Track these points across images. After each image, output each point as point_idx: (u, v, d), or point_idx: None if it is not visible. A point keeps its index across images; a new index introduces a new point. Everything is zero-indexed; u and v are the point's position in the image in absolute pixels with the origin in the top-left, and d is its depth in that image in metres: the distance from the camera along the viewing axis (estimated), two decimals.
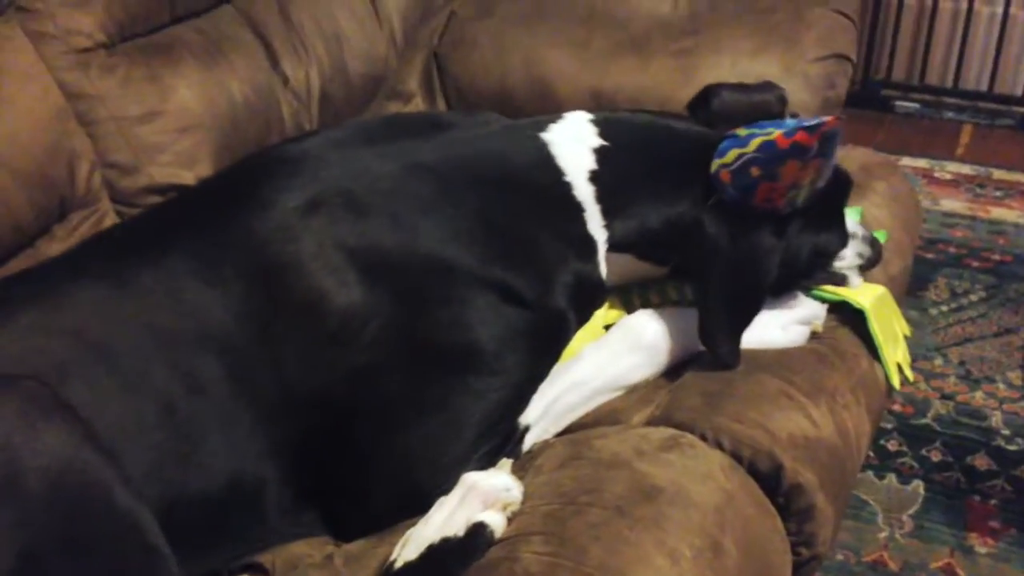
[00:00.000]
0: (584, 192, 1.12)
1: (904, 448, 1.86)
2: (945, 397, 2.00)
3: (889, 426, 1.90)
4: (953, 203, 2.75)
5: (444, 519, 0.91)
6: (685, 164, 1.14)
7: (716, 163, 1.10)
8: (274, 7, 1.56)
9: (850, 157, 1.69)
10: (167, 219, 1.10)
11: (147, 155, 1.29)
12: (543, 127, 1.15)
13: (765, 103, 1.21)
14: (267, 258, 0.99)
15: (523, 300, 1.05)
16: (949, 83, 3.31)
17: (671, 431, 1.02)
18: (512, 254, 1.06)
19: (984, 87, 3.27)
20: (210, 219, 1.03)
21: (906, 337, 1.29)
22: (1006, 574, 1.58)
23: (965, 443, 1.87)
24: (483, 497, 0.92)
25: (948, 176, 2.90)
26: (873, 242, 1.25)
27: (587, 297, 1.14)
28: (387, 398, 0.99)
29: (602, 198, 1.12)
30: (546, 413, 1.06)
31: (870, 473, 1.79)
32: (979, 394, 2.00)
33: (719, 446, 1.01)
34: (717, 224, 1.09)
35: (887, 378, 1.22)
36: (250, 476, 0.97)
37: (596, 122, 1.17)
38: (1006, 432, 1.90)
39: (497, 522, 0.91)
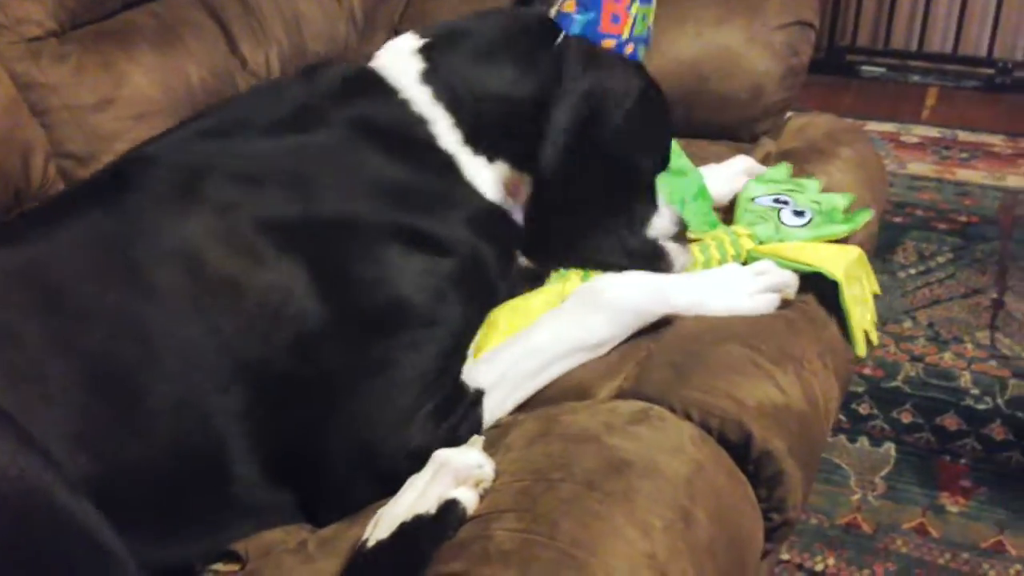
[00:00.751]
0: (421, 99, 1.10)
1: (875, 411, 1.87)
2: (914, 359, 2.02)
3: (860, 389, 1.91)
4: (920, 166, 2.77)
5: (415, 497, 0.91)
6: (521, 36, 1.14)
7: (555, 8, 1.12)
8: None
9: (815, 123, 1.69)
10: (57, 211, 1.04)
11: (102, 144, 1.27)
12: (371, 57, 1.15)
13: None
14: (170, 244, 0.96)
15: (431, 242, 1.03)
16: (914, 46, 3.33)
17: (640, 404, 1.02)
18: (401, 196, 1.05)
19: (949, 49, 3.29)
20: (102, 212, 0.99)
21: (875, 296, 1.30)
22: (978, 532, 1.60)
23: (935, 404, 1.89)
24: (455, 474, 0.92)
25: (914, 139, 2.92)
26: (680, 222, 1.24)
27: (486, 222, 1.10)
28: (324, 366, 0.97)
29: (441, 96, 1.10)
30: (503, 378, 1.04)
31: (842, 437, 1.81)
32: (948, 355, 2.03)
33: (688, 417, 1.01)
34: (573, 71, 1.10)
35: (853, 345, 1.22)
36: (203, 445, 0.94)
37: (416, 31, 1.17)
38: (975, 392, 1.92)
39: (469, 499, 0.90)
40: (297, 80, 1.16)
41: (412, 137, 1.09)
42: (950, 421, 1.85)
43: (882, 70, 3.35)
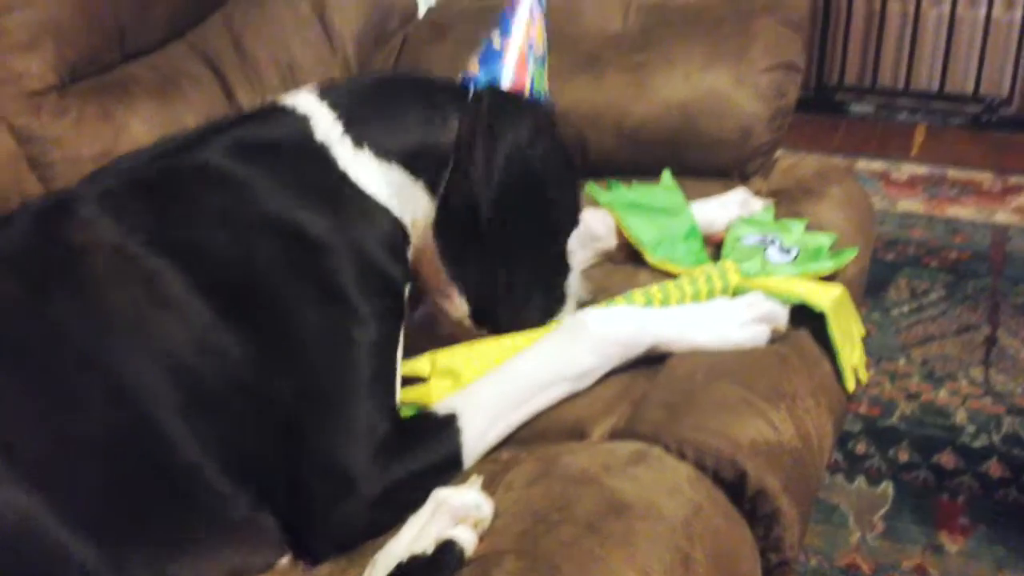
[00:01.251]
0: (305, 104, 1.10)
1: (872, 450, 1.88)
2: (910, 397, 2.02)
3: (856, 428, 1.92)
4: (910, 204, 2.80)
5: (413, 536, 0.91)
6: (426, 92, 1.15)
7: (464, 71, 1.19)
8: (227, 39, 1.57)
9: (804, 163, 1.72)
10: None
11: None
12: (279, 99, 1.15)
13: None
14: (92, 270, 0.97)
15: (305, 240, 1.02)
16: (901, 84, 3.37)
17: (638, 444, 1.03)
18: (290, 202, 1.04)
19: (935, 87, 3.34)
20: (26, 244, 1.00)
21: (866, 335, 1.31)
22: (977, 571, 1.60)
23: (931, 442, 1.90)
24: (452, 513, 0.92)
25: (904, 177, 2.95)
26: (588, 291, 1.25)
27: (378, 223, 1.08)
28: (262, 394, 0.96)
29: (327, 97, 1.11)
30: (483, 408, 1.03)
31: (840, 477, 1.81)
32: (943, 392, 2.04)
33: (683, 456, 1.02)
34: (475, 117, 1.09)
35: (842, 380, 1.24)
36: (170, 466, 0.93)
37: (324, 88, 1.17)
38: (971, 429, 1.93)
39: (467, 539, 0.90)
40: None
41: (286, 136, 1.08)
42: (947, 459, 1.85)
43: (870, 108, 3.39)
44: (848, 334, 1.26)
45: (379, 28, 1.87)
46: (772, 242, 1.32)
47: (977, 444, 1.88)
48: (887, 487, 1.79)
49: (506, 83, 1.16)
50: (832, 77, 3.44)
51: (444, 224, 1.11)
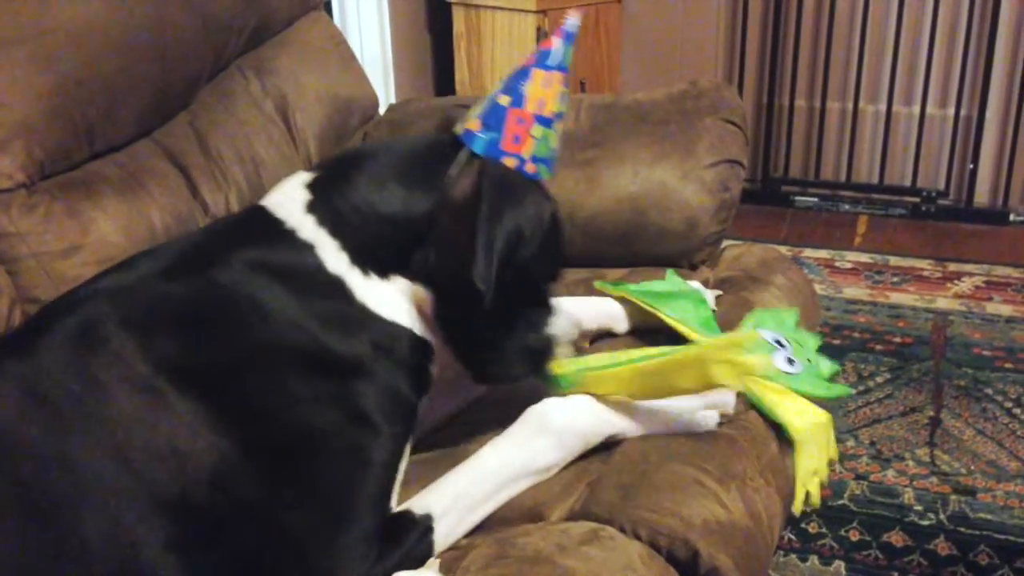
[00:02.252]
0: (306, 226, 1.12)
1: (824, 530, 1.92)
2: (859, 477, 2.07)
3: (807, 508, 1.95)
4: (855, 290, 2.89)
5: None
6: (420, 155, 1.17)
7: (460, 124, 1.17)
8: (192, 138, 1.61)
9: (750, 252, 1.79)
10: None
11: (68, 289, 1.31)
12: (275, 209, 1.17)
13: None
14: (78, 385, 1.01)
15: (329, 365, 1.06)
16: (843, 177, 3.51)
17: (591, 525, 1.06)
18: (294, 324, 1.07)
19: (875, 180, 3.47)
20: (16, 359, 1.04)
21: (831, 462, 1.33)
22: None
23: (881, 521, 1.94)
24: None
25: (848, 265, 3.06)
26: (576, 324, 1.26)
27: (384, 340, 1.11)
28: (243, 500, 1.00)
29: (324, 222, 1.13)
30: (453, 505, 1.08)
31: (793, 556, 1.84)
32: (891, 472, 2.09)
33: (637, 536, 1.05)
34: (465, 180, 1.11)
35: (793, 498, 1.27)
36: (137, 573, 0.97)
37: (311, 169, 1.21)
38: (918, 508, 1.97)
39: None
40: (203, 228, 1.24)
41: (301, 265, 1.11)
42: (896, 538, 1.90)
43: (815, 200, 3.52)
44: (817, 459, 1.28)
45: (340, 126, 1.93)
46: (783, 347, 1.36)
47: (925, 523, 1.93)
48: (839, 566, 1.82)
49: (504, 146, 1.14)
50: (778, 170, 3.58)
51: (438, 299, 1.15)
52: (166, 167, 1.54)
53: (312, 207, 1.14)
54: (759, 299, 1.57)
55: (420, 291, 1.15)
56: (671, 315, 1.39)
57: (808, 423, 1.27)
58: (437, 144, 1.18)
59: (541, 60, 1.15)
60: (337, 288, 1.11)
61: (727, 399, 1.24)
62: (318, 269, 1.11)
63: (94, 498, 0.97)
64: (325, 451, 1.03)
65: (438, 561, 1.05)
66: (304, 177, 1.19)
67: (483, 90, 3.16)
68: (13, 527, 0.94)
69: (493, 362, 1.18)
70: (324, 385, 1.05)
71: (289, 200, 1.16)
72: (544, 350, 1.20)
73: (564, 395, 1.18)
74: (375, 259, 1.13)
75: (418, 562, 1.05)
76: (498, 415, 1.21)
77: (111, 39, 1.40)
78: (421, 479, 1.13)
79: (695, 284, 1.52)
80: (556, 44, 1.15)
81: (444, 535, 1.07)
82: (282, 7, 1.88)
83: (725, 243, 1.82)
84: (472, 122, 1.15)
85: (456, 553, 1.05)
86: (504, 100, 1.14)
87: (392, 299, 1.14)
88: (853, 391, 1.40)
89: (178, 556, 0.98)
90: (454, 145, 1.17)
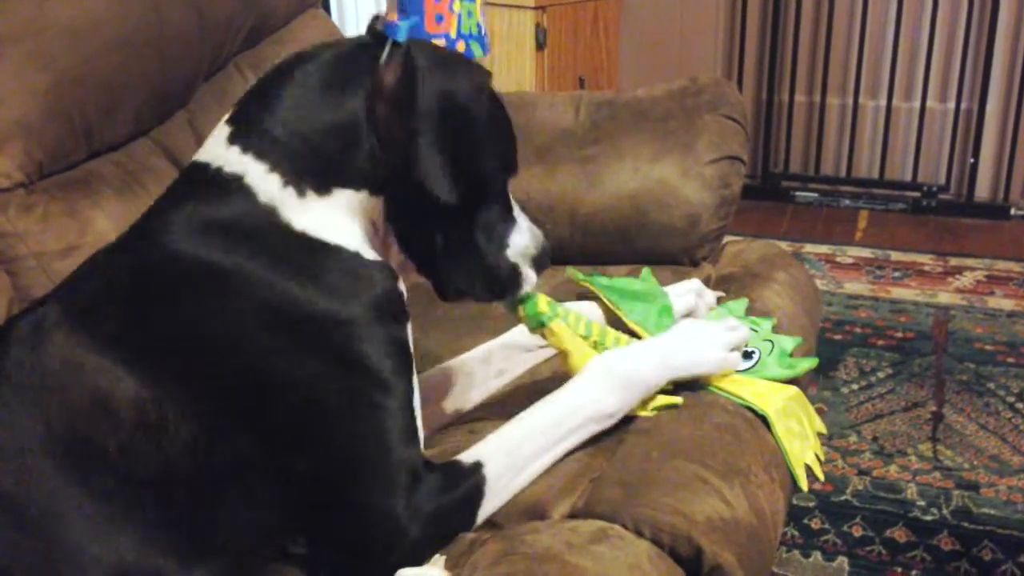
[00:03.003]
0: (231, 160, 1.05)
1: (826, 525, 1.91)
2: (862, 473, 2.07)
3: (811, 504, 1.96)
4: (856, 286, 2.89)
5: None
6: (340, 62, 1.07)
7: (379, 21, 1.07)
8: (191, 137, 1.61)
9: (751, 248, 1.78)
10: None
11: None
12: (203, 157, 1.10)
13: None
14: (41, 379, 0.98)
15: (288, 314, 1.00)
16: (843, 173, 3.50)
17: (599, 523, 1.06)
18: (289, 282, 1.02)
19: (876, 175, 3.47)
20: None
21: (820, 434, 1.32)
22: None
23: (884, 517, 1.94)
24: None
25: (849, 260, 3.05)
26: (543, 246, 1.17)
27: (338, 272, 1.03)
28: (300, 471, 0.99)
29: (249, 148, 1.04)
30: (511, 457, 1.07)
31: (796, 552, 1.84)
32: (893, 468, 2.08)
33: (640, 534, 1.05)
34: (394, 66, 1.02)
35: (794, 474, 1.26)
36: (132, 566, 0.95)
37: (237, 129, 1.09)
38: (921, 503, 1.97)
39: None
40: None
41: (232, 202, 1.04)
42: (899, 533, 1.89)
43: (815, 195, 3.51)
44: (801, 433, 1.28)
45: None
46: None
47: (928, 518, 1.93)
48: (842, 562, 1.82)
49: (427, 27, 1.07)
50: (778, 166, 3.57)
51: (390, 207, 1.08)
52: (165, 166, 1.54)
53: (233, 138, 1.06)
54: (760, 295, 1.57)
55: (369, 201, 1.07)
56: (631, 317, 1.38)
57: (778, 400, 1.26)
58: (359, 44, 1.09)
59: None
60: (272, 219, 1.03)
61: (749, 336, 1.28)
62: (250, 201, 1.03)
63: (68, 505, 0.94)
64: (329, 405, 1.00)
65: (443, 558, 1.04)
66: (225, 115, 1.11)
67: None
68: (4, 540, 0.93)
69: (455, 277, 1.12)
70: (304, 340, 1.00)
71: (212, 141, 1.09)
72: (507, 274, 1.13)
73: (538, 333, 1.18)
74: (310, 175, 1.04)
75: (470, 512, 1.05)
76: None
77: (109, 38, 1.39)
78: None
79: (677, 288, 1.48)
80: None
81: (499, 486, 1.07)
82: (280, 5, 1.87)
83: (726, 239, 1.82)
84: (391, 13, 1.09)
85: (462, 548, 1.04)
86: None
87: (335, 219, 1.05)
88: (817, 360, 1.38)
89: (175, 531, 0.96)
90: (378, 42, 1.07)
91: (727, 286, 1.62)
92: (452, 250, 1.10)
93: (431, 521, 1.01)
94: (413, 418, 1.04)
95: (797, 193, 3.52)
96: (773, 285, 1.63)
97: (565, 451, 1.13)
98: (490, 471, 1.06)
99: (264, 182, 1.04)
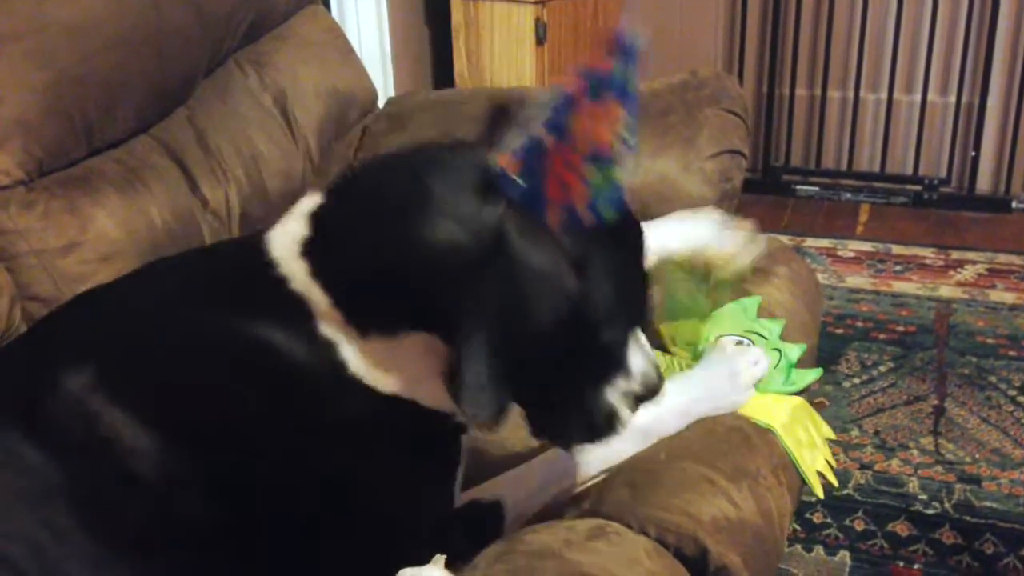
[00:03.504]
0: (298, 277, 0.95)
1: (828, 519, 1.91)
2: (864, 467, 2.07)
3: (813, 499, 1.95)
4: (857, 279, 2.88)
5: None
6: (439, 182, 0.91)
7: (499, 155, 0.90)
8: (191, 134, 1.61)
9: None
10: None
11: (69, 286, 1.31)
12: (270, 228, 1.02)
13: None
14: (71, 438, 0.97)
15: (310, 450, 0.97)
16: (844, 166, 3.49)
17: (598, 521, 1.06)
18: (276, 395, 0.96)
19: (877, 168, 3.46)
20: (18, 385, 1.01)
21: (830, 440, 1.32)
22: None
23: (886, 510, 1.94)
24: None
25: (851, 254, 3.05)
26: (652, 384, 1.02)
27: (346, 408, 0.96)
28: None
29: (320, 273, 0.94)
30: (527, 501, 1.10)
31: (798, 547, 1.84)
32: (895, 462, 2.08)
33: (645, 534, 1.05)
34: (503, 231, 0.87)
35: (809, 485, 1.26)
36: None
37: (323, 191, 1.00)
38: (923, 497, 1.97)
39: None
40: (201, 254, 1.18)
41: (289, 320, 0.95)
42: (901, 527, 1.89)
43: (816, 189, 3.51)
44: (809, 441, 1.27)
45: (339, 119, 1.92)
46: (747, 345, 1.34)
47: (930, 512, 1.93)
48: (844, 556, 1.82)
49: (549, 189, 0.87)
50: (779, 160, 3.56)
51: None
52: (165, 163, 1.53)
53: (307, 250, 0.96)
54: (762, 291, 1.56)
55: (433, 344, 0.94)
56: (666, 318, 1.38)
57: (783, 411, 1.26)
58: (469, 168, 0.92)
59: (592, 87, 0.85)
60: (327, 358, 0.94)
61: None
62: (308, 332, 0.94)
63: (85, 557, 0.95)
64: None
65: (443, 557, 1.04)
66: (309, 204, 1.00)
67: (482, 83, 3.15)
68: None
69: (548, 423, 1.03)
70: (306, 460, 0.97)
71: (287, 236, 0.98)
72: (606, 423, 1.01)
73: None
74: (378, 316, 0.94)
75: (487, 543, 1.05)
76: None
77: (108, 35, 1.39)
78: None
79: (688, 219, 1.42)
80: (612, 67, 0.85)
81: (514, 525, 1.08)
82: (280, 1, 1.87)
83: None
84: (506, 159, 0.88)
85: None
86: (545, 137, 0.85)
87: (397, 365, 0.95)
88: (822, 371, 1.37)
89: None
90: (485, 178, 0.90)
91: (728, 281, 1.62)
92: (549, 405, 1.00)
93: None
94: (448, 497, 1.05)
95: (798, 187, 3.51)
96: (774, 280, 1.62)
97: (571, 485, 1.14)
98: (507, 512, 1.08)
99: (326, 315, 0.94)
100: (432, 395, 0.97)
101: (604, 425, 1.01)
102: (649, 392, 1.02)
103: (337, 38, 2.02)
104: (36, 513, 0.95)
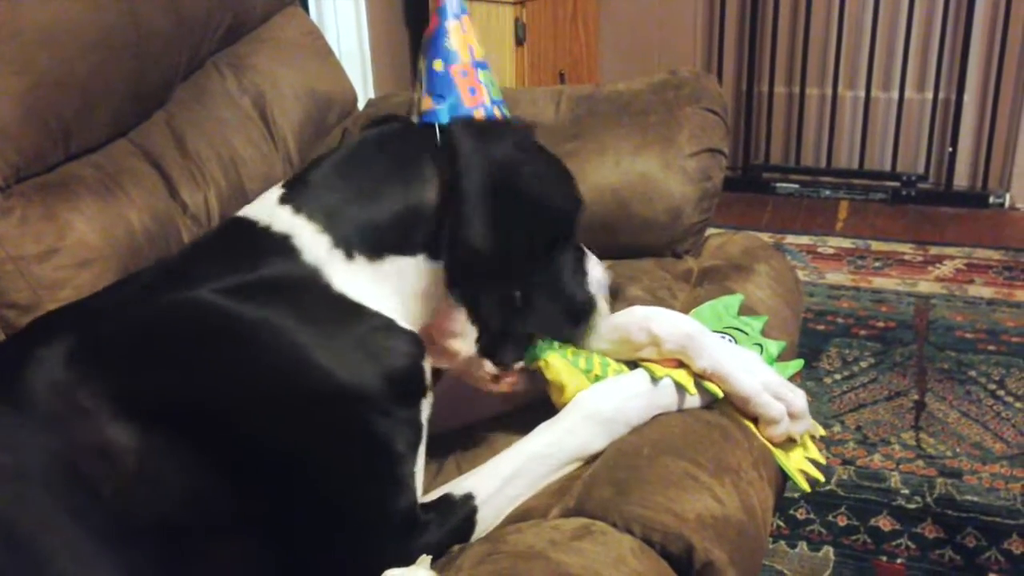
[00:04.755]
0: (281, 218, 1.06)
1: (812, 515, 1.92)
2: (846, 462, 2.08)
3: (796, 494, 1.96)
4: (837, 276, 2.90)
5: None
6: (395, 155, 1.11)
7: (414, 115, 1.15)
8: (170, 138, 1.60)
9: (733, 241, 1.79)
10: None
11: (47, 292, 1.30)
12: (250, 212, 1.12)
13: None
14: (50, 410, 0.98)
15: (307, 383, 1.00)
16: (823, 163, 3.52)
17: (582, 520, 1.06)
18: (318, 350, 1.01)
19: (855, 165, 3.48)
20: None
21: (818, 437, 1.31)
22: None
23: (868, 506, 1.95)
24: None
25: (830, 251, 3.06)
26: (611, 275, 1.21)
27: (369, 339, 1.03)
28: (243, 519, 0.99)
29: (301, 209, 1.06)
30: (500, 491, 1.09)
31: (782, 543, 1.85)
32: (877, 457, 2.10)
33: (630, 532, 1.05)
34: (451, 159, 1.06)
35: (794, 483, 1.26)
36: None
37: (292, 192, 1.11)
38: (905, 492, 1.98)
39: None
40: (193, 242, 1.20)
41: (273, 260, 1.04)
42: (884, 522, 1.90)
43: (796, 186, 3.52)
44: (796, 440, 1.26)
45: (319, 122, 1.92)
46: (729, 343, 1.34)
47: (912, 506, 1.94)
48: (828, 551, 1.83)
49: (465, 103, 1.11)
50: (758, 158, 3.58)
51: (455, 275, 1.09)
52: (143, 167, 1.52)
53: (286, 198, 1.09)
54: (743, 288, 1.57)
55: (424, 267, 1.08)
56: None
57: None
58: (409, 131, 1.15)
59: (445, 14, 1.15)
60: (312, 278, 1.04)
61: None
62: (292, 260, 1.04)
63: (60, 541, 0.94)
64: (321, 469, 1.01)
65: (429, 558, 1.04)
66: (280, 181, 1.15)
67: None
68: None
69: (533, 323, 1.14)
70: (296, 403, 1.00)
71: (262, 201, 1.11)
72: (585, 305, 1.17)
73: (535, 367, 1.17)
74: (362, 240, 1.06)
75: (462, 540, 1.06)
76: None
77: (85, 39, 1.38)
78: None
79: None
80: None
81: (484, 521, 1.08)
82: (258, 3, 1.86)
83: (708, 232, 1.82)
84: (424, 100, 1.13)
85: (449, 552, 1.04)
86: (439, 65, 1.13)
87: (378, 284, 1.06)
88: (803, 362, 1.37)
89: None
90: (417, 128, 1.12)
91: (710, 279, 1.63)
92: (534, 297, 1.13)
93: (430, 552, 1.02)
94: (413, 476, 1.05)
95: (778, 184, 3.53)
96: (755, 277, 1.63)
97: (549, 482, 1.14)
98: (480, 504, 1.08)
99: (312, 242, 1.05)
100: (411, 314, 1.08)
101: (586, 309, 1.17)
102: (613, 284, 1.20)
103: (316, 40, 2.01)
104: (8, 492, 0.94)
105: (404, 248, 1.07)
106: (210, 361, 1.00)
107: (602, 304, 1.21)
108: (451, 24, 1.10)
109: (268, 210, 1.09)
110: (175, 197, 1.55)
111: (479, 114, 1.11)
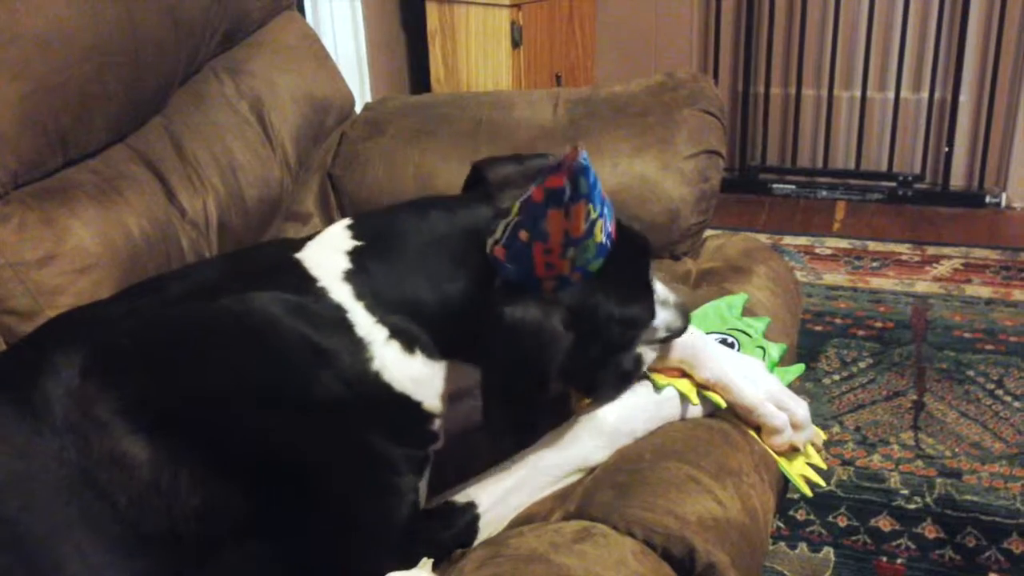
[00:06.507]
0: (340, 292, 1.05)
1: (812, 516, 1.92)
2: (845, 463, 2.08)
3: (796, 496, 1.96)
4: (835, 276, 2.90)
5: None
6: (456, 243, 1.07)
7: (489, 242, 1.05)
8: (168, 143, 1.59)
9: (731, 242, 1.79)
10: None
11: (46, 299, 1.30)
12: (299, 246, 1.12)
13: (540, 168, 1.12)
14: (66, 418, 0.98)
15: (321, 432, 1.02)
16: (820, 164, 3.52)
17: (584, 523, 1.06)
18: (293, 387, 1.02)
19: (852, 165, 3.49)
20: (10, 380, 1.03)
21: (823, 442, 1.31)
22: None
23: (868, 506, 1.95)
24: None
25: (828, 251, 3.07)
26: (683, 310, 1.17)
27: (395, 414, 1.05)
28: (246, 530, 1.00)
29: (362, 296, 1.05)
30: (503, 501, 1.10)
31: (782, 544, 1.85)
32: (876, 457, 2.10)
33: (631, 535, 1.05)
34: (499, 306, 1.01)
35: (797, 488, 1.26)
36: None
37: (351, 225, 1.13)
38: (905, 492, 1.98)
39: None
40: (229, 257, 1.20)
41: (325, 317, 1.04)
42: (884, 522, 1.90)
43: (792, 187, 3.53)
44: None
45: (317, 126, 1.92)
46: (731, 347, 1.34)
47: (912, 507, 1.94)
48: (828, 552, 1.83)
49: (537, 270, 1.02)
50: (755, 159, 3.58)
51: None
52: (142, 173, 1.52)
53: (348, 276, 1.06)
54: (742, 289, 1.57)
55: (459, 366, 1.08)
56: None
57: None
58: (472, 224, 1.08)
59: (553, 200, 0.97)
60: (358, 347, 1.04)
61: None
62: (345, 326, 1.04)
63: (74, 536, 0.95)
64: (328, 481, 1.03)
65: (431, 561, 1.04)
66: (344, 242, 1.10)
67: (458, 86, 3.14)
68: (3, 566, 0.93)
69: (583, 385, 1.13)
70: (314, 418, 1.01)
71: (327, 262, 1.08)
72: (635, 367, 1.15)
73: None
74: (422, 338, 1.06)
75: (464, 547, 1.07)
76: None
77: (83, 45, 1.38)
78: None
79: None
80: (563, 183, 0.96)
81: (491, 525, 1.09)
82: (255, 8, 1.86)
83: (706, 233, 1.82)
84: (496, 249, 1.03)
85: (451, 556, 1.05)
86: (524, 236, 1.00)
87: (428, 382, 1.07)
88: (804, 367, 1.37)
89: None
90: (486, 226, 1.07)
91: (708, 281, 1.63)
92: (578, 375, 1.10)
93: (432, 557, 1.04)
94: (417, 492, 1.07)
95: (774, 185, 3.54)
96: (754, 279, 1.63)
97: (552, 492, 1.14)
98: (482, 512, 1.09)
99: (366, 320, 1.05)
100: (440, 403, 1.09)
101: (633, 370, 1.15)
102: (674, 333, 1.16)
103: (313, 44, 2.01)
104: (19, 497, 0.95)
105: (450, 351, 1.08)
106: (221, 382, 1.01)
107: (648, 356, 1.17)
108: (553, 212, 0.98)
109: (329, 276, 1.06)
110: (173, 202, 1.55)
111: (549, 285, 1.04)
